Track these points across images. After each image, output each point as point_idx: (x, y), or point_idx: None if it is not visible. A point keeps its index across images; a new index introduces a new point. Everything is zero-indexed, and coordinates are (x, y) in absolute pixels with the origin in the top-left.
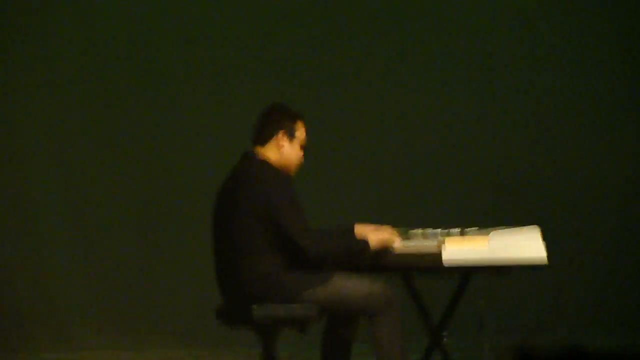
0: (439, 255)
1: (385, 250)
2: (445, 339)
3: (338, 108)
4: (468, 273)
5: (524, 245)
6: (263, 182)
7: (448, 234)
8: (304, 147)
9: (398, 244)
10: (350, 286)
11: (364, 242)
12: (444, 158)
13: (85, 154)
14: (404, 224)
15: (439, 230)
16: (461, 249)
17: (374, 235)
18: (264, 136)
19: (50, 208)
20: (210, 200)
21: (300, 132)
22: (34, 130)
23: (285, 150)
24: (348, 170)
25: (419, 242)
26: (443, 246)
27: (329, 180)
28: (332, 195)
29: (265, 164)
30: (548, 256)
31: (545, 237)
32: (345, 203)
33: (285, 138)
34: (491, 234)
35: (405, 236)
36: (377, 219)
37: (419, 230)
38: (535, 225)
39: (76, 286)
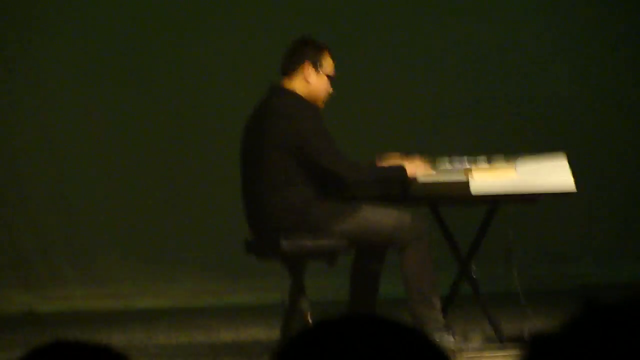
0: (467, 185)
1: (413, 181)
2: (474, 270)
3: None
4: (496, 203)
5: (552, 173)
6: (292, 114)
7: (475, 163)
8: (332, 79)
9: (427, 173)
10: (378, 218)
11: (402, 170)
12: (469, 87)
13: (108, 103)
14: (429, 153)
15: (465, 158)
16: (489, 178)
17: (410, 165)
18: (290, 67)
19: (77, 153)
20: (237, 131)
21: (327, 63)
22: (61, 90)
23: (313, 84)
24: (373, 101)
25: (446, 173)
26: (471, 176)
27: (354, 111)
28: (359, 126)
29: (293, 95)
30: (575, 185)
31: (571, 166)
32: (370, 134)
33: (311, 68)
34: (518, 163)
35: (432, 165)
36: (403, 148)
37: (446, 159)
38: (562, 153)
39: (102, 219)
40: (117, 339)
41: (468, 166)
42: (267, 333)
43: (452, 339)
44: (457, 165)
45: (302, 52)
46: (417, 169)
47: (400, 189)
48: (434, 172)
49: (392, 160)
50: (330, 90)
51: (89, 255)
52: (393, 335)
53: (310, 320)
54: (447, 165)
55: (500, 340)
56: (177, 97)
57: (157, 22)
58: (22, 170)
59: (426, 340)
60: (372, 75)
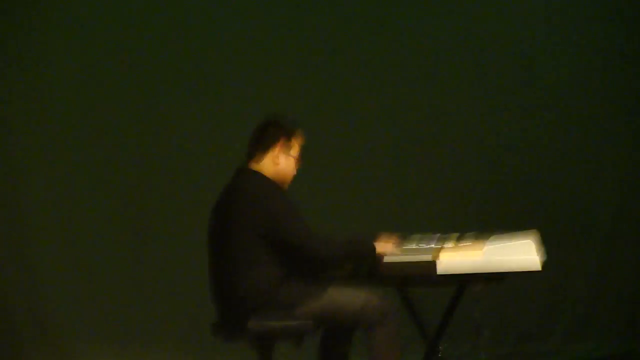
0: (433, 265)
1: (380, 259)
2: (441, 350)
3: (333, 111)
4: (463, 283)
5: (518, 252)
6: (260, 195)
7: (443, 243)
8: (299, 160)
9: (393, 253)
10: (345, 299)
11: (372, 247)
12: (442, 161)
13: (77, 159)
14: (401, 229)
15: (438, 235)
16: (455, 258)
17: (379, 243)
18: (259, 151)
19: (41, 217)
20: (205, 210)
21: (296, 148)
22: (24, 133)
23: (281, 166)
24: (344, 176)
25: (413, 253)
26: (437, 256)
27: (325, 186)
28: (328, 202)
29: (261, 177)
30: (544, 262)
31: (541, 242)
32: (341, 210)
33: (281, 154)
34: (487, 242)
35: (402, 243)
36: (375, 225)
37: (417, 237)
38: (534, 230)
39: (69, 299)
40: None
41: (435, 245)
42: None
43: None
44: (425, 245)
45: (274, 137)
46: (386, 248)
47: (367, 266)
48: (401, 254)
49: (361, 237)
50: (296, 169)
51: (52, 333)
52: None
53: None
54: (415, 245)
55: None
56: (148, 162)
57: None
58: None
59: None
60: (343, 145)
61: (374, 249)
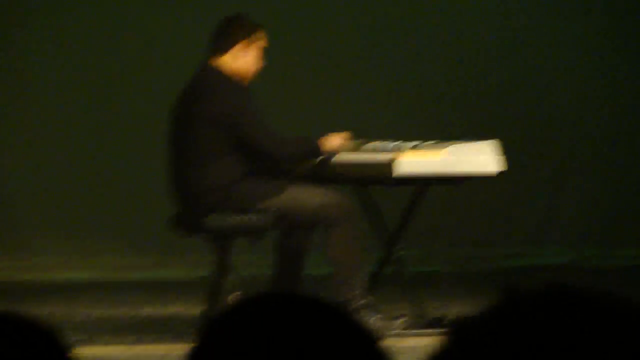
0: (390, 166)
1: (329, 159)
2: (400, 250)
3: (312, 18)
4: (421, 185)
5: (477, 155)
6: (221, 92)
7: (404, 146)
8: (261, 58)
9: (344, 147)
10: (305, 196)
11: (317, 145)
12: (408, 65)
13: (39, 57)
14: (363, 135)
15: (397, 142)
16: (415, 160)
17: (325, 139)
18: (222, 46)
19: (3, 118)
20: (165, 108)
21: (260, 42)
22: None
23: (241, 62)
24: (308, 76)
25: (373, 153)
26: (397, 158)
27: (289, 86)
28: (292, 103)
29: (221, 73)
30: (504, 170)
31: (503, 150)
32: (304, 111)
33: (244, 48)
34: (447, 147)
35: (361, 147)
36: (336, 129)
37: (377, 143)
38: (494, 140)
39: (28, 192)
40: (37, 311)
41: (396, 147)
42: (191, 309)
43: (376, 319)
44: (387, 147)
45: (237, 32)
46: (332, 143)
47: (314, 162)
48: (360, 154)
49: (307, 136)
50: (261, 64)
51: (9, 226)
52: (315, 313)
53: (232, 298)
54: (377, 145)
55: (424, 321)
56: (107, 67)
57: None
58: None
59: (349, 319)
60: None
61: (319, 146)
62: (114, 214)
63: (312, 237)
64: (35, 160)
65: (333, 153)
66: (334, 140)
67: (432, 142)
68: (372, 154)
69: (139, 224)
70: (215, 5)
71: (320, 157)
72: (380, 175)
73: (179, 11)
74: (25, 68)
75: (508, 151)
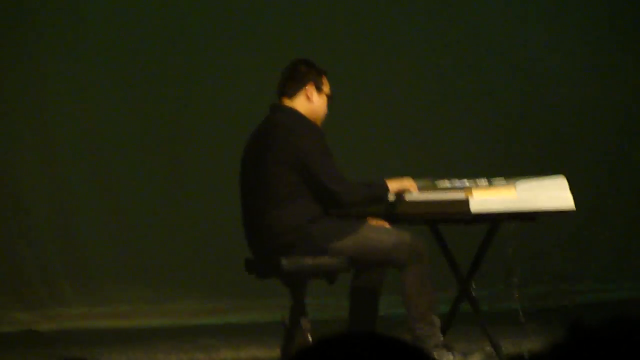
0: (466, 203)
1: (401, 199)
2: (474, 288)
3: (357, 67)
4: (496, 222)
5: (551, 191)
6: (295, 131)
7: (475, 185)
8: (330, 100)
9: (415, 191)
10: (377, 237)
11: (385, 188)
12: (467, 110)
13: (109, 110)
14: (430, 176)
15: (465, 181)
16: (489, 197)
17: (394, 183)
18: (292, 89)
19: (76, 164)
20: (236, 153)
21: (327, 87)
22: (60, 92)
23: (315, 104)
24: (373, 121)
25: (446, 192)
26: (470, 195)
27: (355, 131)
28: (356, 150)
29: (296, 113)
30: (575, 205)
31: (571, 187)
32: (370, 159)
33: (313, 90)
34: (518, 183)
35: (432, 187)
36: (402, 174)
37: (446, 182)
38: (562, 177)
39: (104, 240)
40: (117, 358)
41: (468, 185)
42: (268, 352)
43: (452, 358)
44: (458, 185)
45: (305, 74)
46: (401, 185)
47: (384, 206)
48: (421, 190)
49: (375, 180)
50: (327, 109)
51: (88, 274)
52: (392, 352)
53: (310, 339)
54: (447, 184)
55: (500, 359)
56: (180, 111)
57: (158, 29)
58: (21, 187)
59: (425, 358)
60: (372, 95)
61: (387, 187)
62: (188, 259)
63: (384, 278)
64: (110, 208)
65: (401, 194)
66: (400, 183)
67: (502, 179)
68: (445, 192)
69: (214, 268)
70: (275, 47)
71: (389, 200)
72: (455, 214)
73: (240, 47)
74: (92, 102)
75: (583, 185)
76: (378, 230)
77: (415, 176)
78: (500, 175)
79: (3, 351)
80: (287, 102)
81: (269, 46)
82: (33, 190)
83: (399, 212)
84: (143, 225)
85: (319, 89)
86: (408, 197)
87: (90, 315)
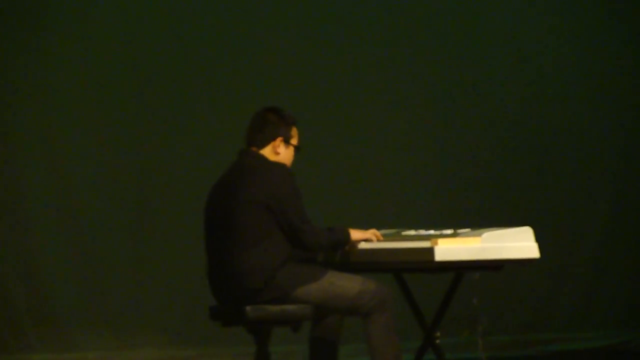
0: (432, 252)
1: (354, 245)
2: (438, 338)
3: (326, 111)
4: (460, 271)
5: (516, 240)
6: (267, 172)
7: (441, 235)
8: (297, 149)
9: (375, 241)
10: (342, 284)
11: (346, 234)
12: (435, 160)
13: (77, 155)
14: (394, 225)
15: (431, 231)
16: (454, 246)
17: (358, 232)
18: (260, 140)
19: (42, 208)
20: (201, 199)
21: (295, 138)
22: (27, 129)
23: (281, 156)
24: (336, 174)
25: (410, 240)
26: (435, 243)
27: (317, 183)
28: (322, 198)
29: (265, 158)
30: (540, 253)
31: (536, 238)
32: (334, 207)
33: (281, 144)
34: (484, 234)
35: (397, 236)
36: (366, 224)
37: (411, 232)
38: (527, 227)
39: (69, 287)
40: None
41: (433, 234)
42: None
43: None
44: (423, 234)
45: (274, 126)
46: (365, 235)
47: (339, 254)
48: (385, 239)
49: (338, 227)
50: (292, 161)
51: (53, 319)
52: None
53: None
54: (412, 233)
55: None
56: (149, 155)
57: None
58: None
59: None
60: (336, 144)
61: (348, 235)
62: (154, 306)
63: (343, 325)
64: (76, 252)
65: (360, 242)
66: (364, 233)
67: (467, 230)
68: (410, 241)
69: (179, 315)
70: (247, 94)
71: (346, 246)
72: (420, 262)
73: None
74: (62, 150)
75: (547, 233)
76: (343, 277)
77: (380, 226)
78: (466, 226)
79: None
80: (256, 151)
81: (241, 91)
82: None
83: (363, 261)
84: (109, 271)
85: (286, 142)
86: (371, 245)
87: None
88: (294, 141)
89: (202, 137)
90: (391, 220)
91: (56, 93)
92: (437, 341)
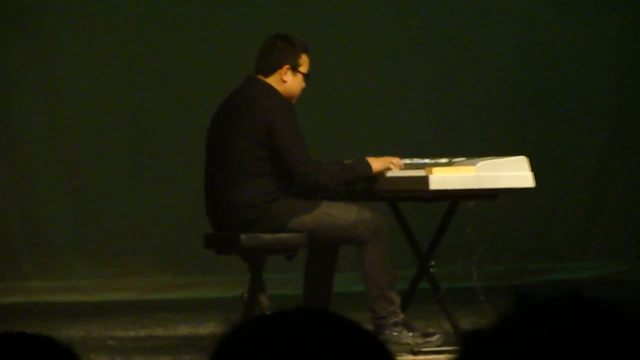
0: (426, 180)
1: (379, 176)
2: (433, 267)
3: (335, 47)
4: (455, 200)
5: (511, 169)
6: (265, 105)
7: (435, 164)
8: (307, 77)
9: (397, 169)
10: (338, 213)
11: (367, 165)
12: (433, 85)
13: (74, 85)
14: (392, 154)
15: (426, 160)
16: (449, 175)
17: (378, 161)
18: (267, 67)
19: (40, 140)
20: (202, 125)
21: (304, 66)
22: (25, 69)
23: (288, 84)
24: (333, 101)
25: (406, 169)
26: (430, 172)
27: (322, 115)
28: (319, 127)
29: (271, 89)
30: (535, 184)
31: (533, 166)
32: (332, 135)
33: (289, 71)
34: (479, 163)
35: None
36: (364, 152)
37: (407, 160)
38: (523, 156)
39: (64, 216)
40: (75, 332)
41: (429, 163)
42: (226, 327)
43: (410, 335)
44: (418, 162)
45: (282, 54)
46: (384, 164)
47: (364, 184)
48: (393, 172)
49: (356, 160)
50: (303, 86)
51: (49, 248)
52: (335, 329)
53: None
54: (408, 162)
55: (458, 337)
56: (144, 84)
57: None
58: None
59: (370, 338)
60: (343, 74)
61: (370, 168)
62: (148, 235)
63: (337, 255)
64: (69, 182)
65: (378, 174)
66: (384, 161)
67: (462, 158)
68: (405, 170)
69: (174, 244)
70: (258, 20)
71: (366, 176)
72: (415, 191)
73: (221, 21)
74: (61, 88)
75: (543, 164)
76: (338, 207)
77: (376, 154)
78: (461, 155)
79: None
80: (262, 78)
81: (249, 12)
82: None
83: (357, 190)
84: (103, 200)
85: (294, 69)
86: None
87: (49, 289)
88: (303, 69)
89: (205, 63)
90: (387, 148)
91: (54, 30)
92: (432, 270)
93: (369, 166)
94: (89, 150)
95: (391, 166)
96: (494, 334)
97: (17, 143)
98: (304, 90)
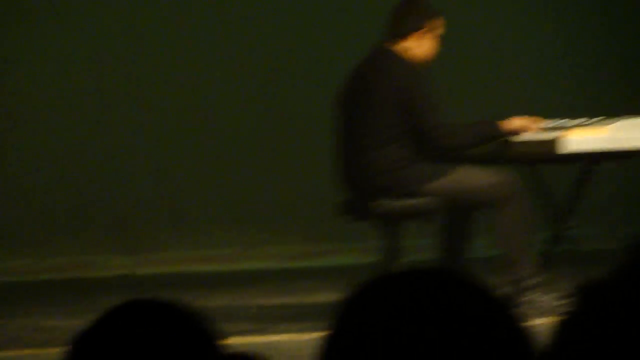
0: (560, 144)
1: (513, 138)
2: (572, 229)
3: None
4: (590, 161)
5: None
6: (399, 72)
7: (572, 124)
8: (439, 43)
9: (534, 130)
10: (474, 177)
11: (501, 127)
12: (572, 48)
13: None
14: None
15: (560, 120)
16: (582, 137)
17: (515, 121)
18: (400, 32)
19: (176, 109)
20: (330, 93)
21: (438, 30)
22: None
23: (424, 46)
24: (466, 65)
25: (541, 132)
26: (565, 134)
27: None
28: (461, 91)
29: (400, 57)
30: None
31: None
32: (468, 98)
33: (422, 36)
34: (613, 124)
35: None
36: (509, 111)
37: (546, 122)
38: None
39: (201, 185)
40: (207, 303)
41: (564, 124)
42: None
43: (548, 298)
44: (554, 124)
45: (416, 19)
46: (519, 124)
47: (498, 146)
48: (541, 126)
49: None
50: (436, 52)
51: (181, 219)
52: (459, 291)
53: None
54: (547, 123)
55: (574, 288)
56: (269, 54)
57: None
58: (117, 141)
59: (500, 304)
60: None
61: (504, 129)
62: (281, 204)
63: (475, 218)
64: (207, 152)
65: (514, 134)
66: (515, 123)
67: (598, 118)
68: (538, 132)
69: (307, 212)
70: None
71: (501, 139)
72: (548, 153)
73: None
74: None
75: None
76: (473, 170)
77: (516, 114)
78: (598, 115)
79: (102, 295)
80: (392, 45)
81: None
82: (132, 144)
83: (492, 153)
84: (236, 171)
85: (430, 32)
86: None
87: (183, 259)
88: (438, 31)
89: (337, 27)
90: (525, 109)
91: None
92: (571, 232)
93: (502, 128)
94: (222, 116)
95: (527, 128)
96: (611, 287)
97: (151, 115)
98: (438, 52)
